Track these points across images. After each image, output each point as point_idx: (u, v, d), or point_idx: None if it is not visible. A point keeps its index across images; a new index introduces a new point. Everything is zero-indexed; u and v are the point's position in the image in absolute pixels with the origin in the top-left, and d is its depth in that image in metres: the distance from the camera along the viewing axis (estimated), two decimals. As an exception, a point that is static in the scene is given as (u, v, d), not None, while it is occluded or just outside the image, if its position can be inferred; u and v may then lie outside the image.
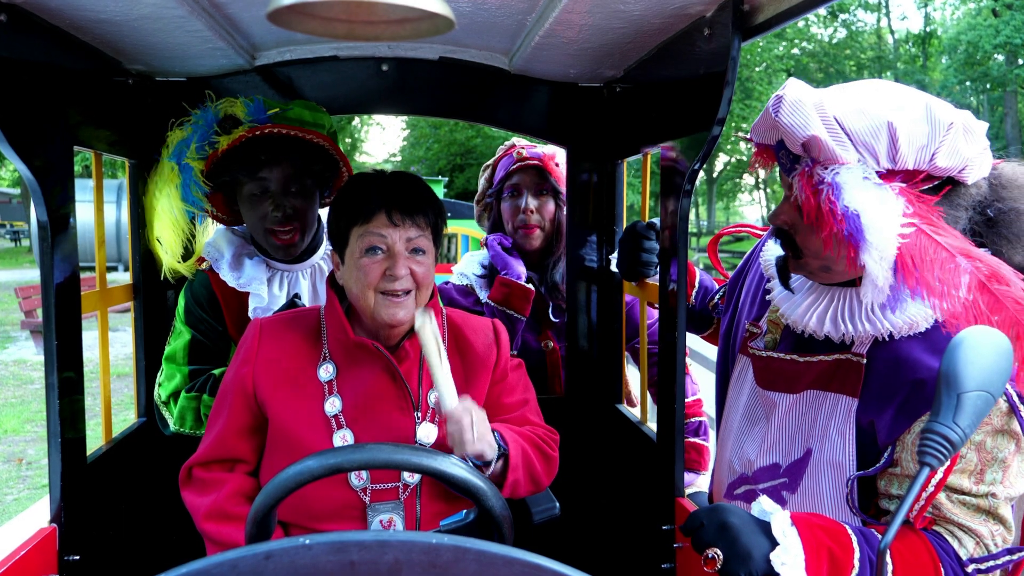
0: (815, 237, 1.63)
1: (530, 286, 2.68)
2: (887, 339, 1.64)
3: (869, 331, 1.64)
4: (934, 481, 1.56)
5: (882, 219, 1.50)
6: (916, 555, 1.53)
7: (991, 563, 1.56)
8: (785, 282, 1.75)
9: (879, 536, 1.55)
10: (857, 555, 1.51)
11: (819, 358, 1.73)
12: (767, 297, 1.90)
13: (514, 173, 2.77)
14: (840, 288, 1.71)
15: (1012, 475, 1.57)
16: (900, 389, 1.60)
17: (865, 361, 1.66)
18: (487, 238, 2.84)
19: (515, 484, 1.76)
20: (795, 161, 1.61)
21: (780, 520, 1.52)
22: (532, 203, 2.74)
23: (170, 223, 2.24)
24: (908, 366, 1.60)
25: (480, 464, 1.68)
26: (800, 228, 1.66)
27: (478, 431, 1.64)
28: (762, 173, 2.00)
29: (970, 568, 1.55)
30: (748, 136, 1.75)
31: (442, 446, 1.73)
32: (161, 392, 2.24)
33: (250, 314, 2.24)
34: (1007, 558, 1.56)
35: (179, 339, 2.24)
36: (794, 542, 1.49)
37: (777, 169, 1.73)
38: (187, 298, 2.27)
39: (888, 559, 1.49)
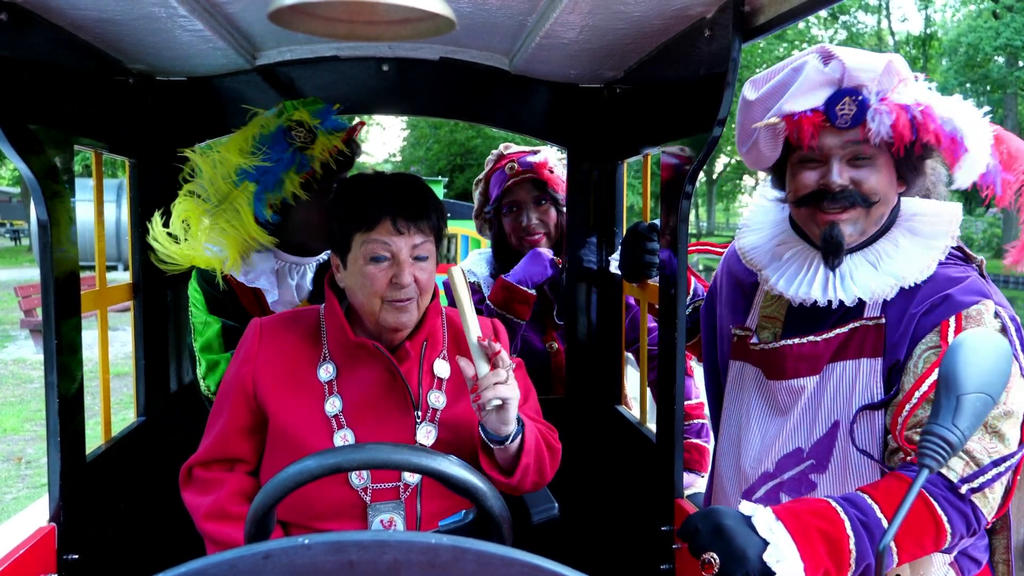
0: (887, 170, 1.71)
1: (531, 290, 2.66)
2: (904, 290, 1.70)
3: (888, 284, 1.71)
4: (927, 383, 1.60)
5: (970, 113, 1.66)
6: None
7: (982, 479, 1.57)
8: (838, 254, 1.75)
9: (862, 495, 1.58)
10: (848, 525, 1.54)
11: (835, 332, 1.76)
12: (765, 287, 1.89)
13: (511, 189, 2.75)
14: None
15: (1015, 392, 1.60)
16: (910, 325, 1.67)
17: (884, 321, 1.71)
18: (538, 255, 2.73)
19: (526, 470, 1.75)
20: (863, 103, 1.66)
21: (763, 518, 1.53)
22: (534, 216, 2.74)
23: (237, 231, 2.17)
24: (916, 303, 1.68)
25: (498, 440, 1.68)
26: (868, 174, 1.70)
27: (511, 397, 1.65)
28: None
29: (963, 489, 1.56)
30: (781, 118, 1.73)
31: (442, 446, 1.73)
32: (209, 384, 2.20)
33: (271, 307, 2.23)
34: (994, 470, 1.58)
35: (209, 329, 2.21)
36: (782, 537, 1.50)
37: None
38: (203, 289, 2.23)
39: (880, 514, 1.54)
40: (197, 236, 2.17)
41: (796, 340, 1.80)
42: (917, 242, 1.75)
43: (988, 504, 1.58)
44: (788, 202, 1.83)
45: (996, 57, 35.67)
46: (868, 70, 1.66)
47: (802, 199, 1.75)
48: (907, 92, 1.67)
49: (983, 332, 1.33)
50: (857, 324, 1.74)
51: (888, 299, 1.72)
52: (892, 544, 1.53)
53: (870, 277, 1.73)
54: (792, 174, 1.79)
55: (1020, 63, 35.31)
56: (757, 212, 2.03)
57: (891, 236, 1.78)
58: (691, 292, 2.28)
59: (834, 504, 1.56)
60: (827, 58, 1.70)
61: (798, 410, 1.79)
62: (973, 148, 1.63)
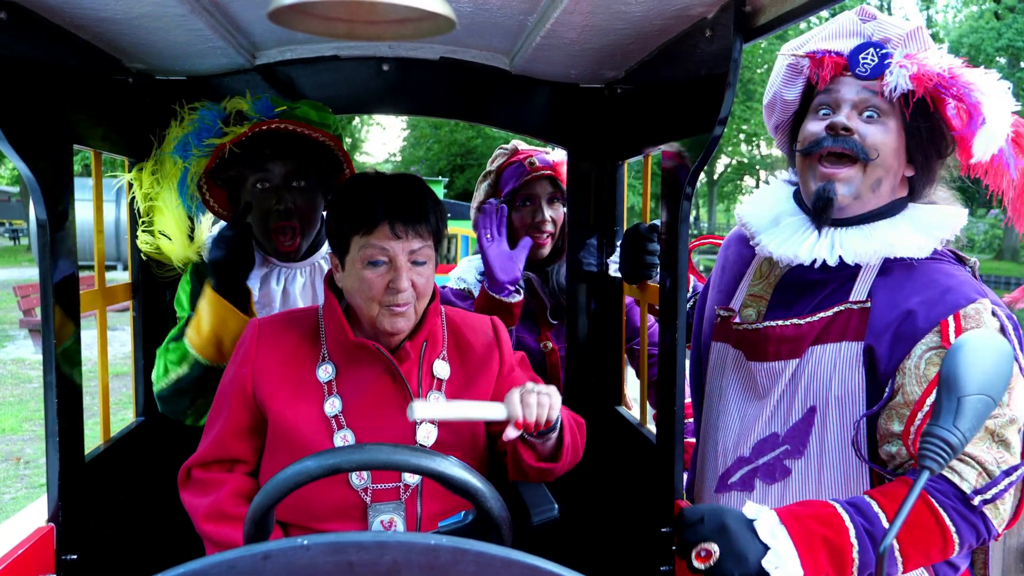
0: (897, 136, 1.72)
1: (515, 298, 2.57)
2: (894, 276, 1.70)
3: (873, 249, 1.71)
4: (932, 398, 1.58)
5: (992, 84, 1.69)
6: (915, 512, 1.52)
7: (994, 490, 1.55)
8: (827, 210, 1.75)
9: (869, 501, 1.56)
10: (852, 533, 1.52)
11: (819, 315, 1.75)
12: (757, 249, 1.89)
13: (529, 183, 2.75)
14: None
15: (1016, 398, 1.58)
16: (896, 314, 1.66)
17: (870, 305, 1.70)
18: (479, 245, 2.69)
19: (568, 449, 1.76)
20: (886, 56, 1.70)
21: (766, 521, 1.52)
22: (549, 213, 2.74)
23: (173, 217, 2.24)
24: (904, 293, 1.67)
25: (544, 432, 1.68)
26: (876, 130, 1.71)
27: (552, 395, 1.62)
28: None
29: (976, 501, 1.54)
30: (805, 55, 1.78)
31: (442, 447, 1.73)
32: (156, 385, 2.20)
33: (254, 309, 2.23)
34: (1006, 480, 1.56)
35: (180, 325, 2.20)
36: (784, 542, 1.49)
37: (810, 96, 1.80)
38: (192, 283, 2.24)
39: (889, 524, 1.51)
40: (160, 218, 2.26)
41: (779, 322, 1.79)
42: (915, 227, 1.75)
43: (999, 515, 1.56)
44: (797, 152, 1.83)
45: (998, 58, 35.65)
46: (898, 27, 1.72)
47: (808, 146, 1.77)
48: (932, 56, 1.70)
49: (984, 333, 1.32)
50: (842, 307, 1.72)
51: (873, 264, 1.72)
52: (897, 552, 1.52)
53: (859, 243, 1.74)
54: (804, 125, 1.81)
55: (1022, 64, 35.30)
56: (765, 189, 2.05)
57: (891, 220, 1.78)
58: (690, 290, 2.28)
59: (840, 510, 1.54)
60: (865, 17, 1.76)
61: (776, 394, 1.77)
62: (991, 119, 1.65)
